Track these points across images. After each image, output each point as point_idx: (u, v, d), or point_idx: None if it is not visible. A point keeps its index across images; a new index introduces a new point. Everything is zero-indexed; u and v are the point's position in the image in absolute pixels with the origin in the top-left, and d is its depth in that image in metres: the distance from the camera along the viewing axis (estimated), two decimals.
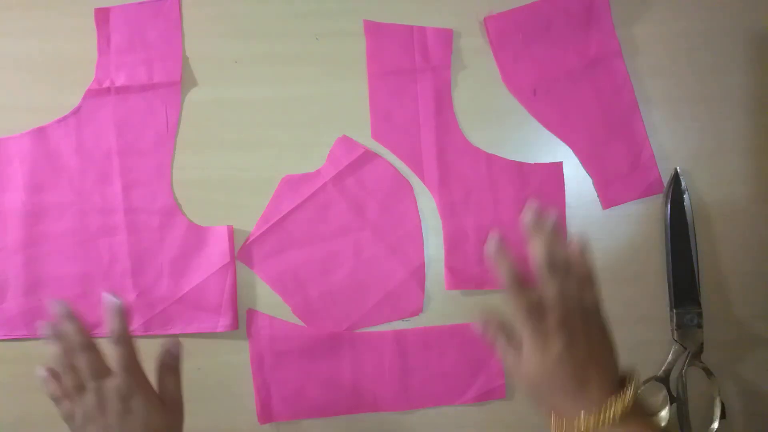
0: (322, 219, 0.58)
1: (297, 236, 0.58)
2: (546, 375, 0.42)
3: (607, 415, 0.40)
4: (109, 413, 0.45)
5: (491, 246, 0.45)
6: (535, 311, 0.42)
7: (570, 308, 0.42)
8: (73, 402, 0.46)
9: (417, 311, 0.58)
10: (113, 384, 0.45)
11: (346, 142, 0.58)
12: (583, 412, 0.40)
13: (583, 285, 0.43)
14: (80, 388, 0.46)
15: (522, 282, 0.43)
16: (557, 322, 0.42)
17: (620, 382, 0.42)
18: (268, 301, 0.58)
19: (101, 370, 0.46)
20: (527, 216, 0.45)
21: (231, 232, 0.57)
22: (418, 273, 0.58)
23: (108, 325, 0.46)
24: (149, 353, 0.57)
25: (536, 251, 0.43)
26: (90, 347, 0.46)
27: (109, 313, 0.46)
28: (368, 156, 0.58)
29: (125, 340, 0.46)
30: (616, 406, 0.40)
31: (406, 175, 0.58)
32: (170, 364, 0.48)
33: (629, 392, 0.40)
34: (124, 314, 0.46)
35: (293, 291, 0.58)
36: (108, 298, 0.46)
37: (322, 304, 0.58)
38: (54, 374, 0.47)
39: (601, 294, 0.44)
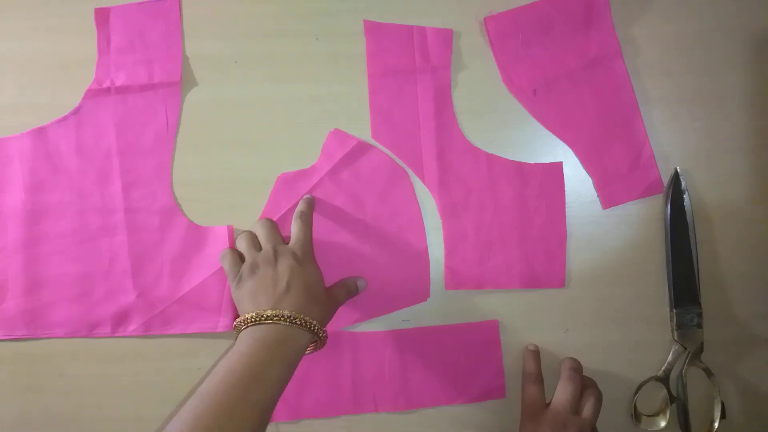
0: (321, 214, 0.58)
1: None
2: None
3: None
4: (279, 264, 0.48)
5: (528, 347, 0.57)
6: (535, 405, 0.52)
7: (565, 418, 0.50)
8: (247, 257, 0.50)
9: (423, 298, 0.58)
10: (289, 248, 0.50)
11: (338, 135, 0.58)
12: None
13: (590, 406, 0.51)
14: (257, 248, 0.51)
15: (534, 378, 0.54)
16: (549, 421, 0.50)
17: None
18: None
19: (279, 239, 0.52)
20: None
21: (231, 232, 0.57)
22: (422, 260, 0.58)
23: (297, 207, 0.54)
24: (150, 353, 0.58)
25: (566, 362, 0.55)
26: (273, 224, 0.53)
27: (302, 199, 0.55)
28: (362, 147, 0.58)
29: (307, 219, 0.53)
30: None
31: None
32: (351, 288, 0.54)
33: None
34: (313, 203, 0.55)
35: None
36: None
37: None
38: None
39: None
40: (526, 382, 0.55)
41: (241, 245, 0.51)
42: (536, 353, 0.57)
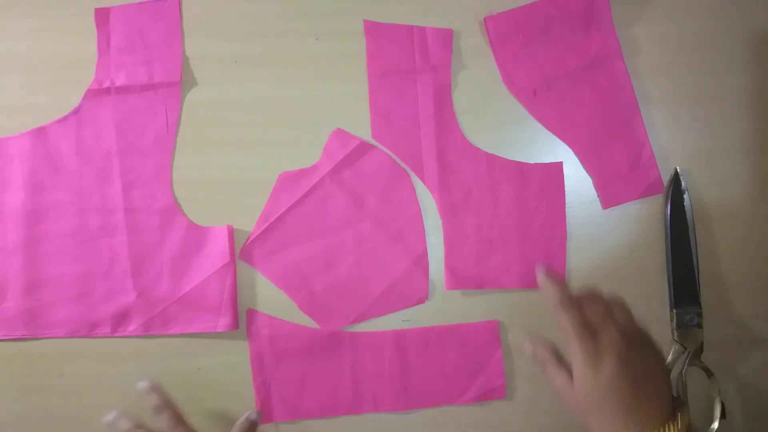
0: (322, 213, 0.58)
1: (298, 232, 0.58)
2: (597, 394, 0.42)
3: None
4: None
5: (540, 273, 0.48)
6: (585, 330, 0.44)
7: (621, 330, 0.43)
8: None
9: (422, 299, 0.58)
10: None
11: (340, 135, 0.58)
12: None
13: (624, 312, 0.46)
14: None
15: (569, 303, 0.45)
16: (610, 341, 0.43)
17: (671, 411, 0.42)
18: (268, 300, 0.58)
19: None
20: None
21: (231, 232, 0.57)
22: (422, 260, 0.58)
23: (150, 402, 0.52)
24: (150, 353, 0.58)
25: (584, 287, 0.48)
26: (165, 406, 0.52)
27: (145, 393, 0.52)
28: (363, 147, 0.58)
29: (168, 406, 0.52)
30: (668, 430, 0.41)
31: None
32: (247, 429, 0.52)
33: (679, 422, 0.41)
34: (158, 389, 0.53)
35: (298, 287, 0.58)
36: (139, 385, 0.53)
37: (327, 298, 0.58)
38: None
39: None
40: (562, 312, 0.45)
41: None
42: (549, 274, 0.48)
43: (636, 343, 0.44)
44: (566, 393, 0.44)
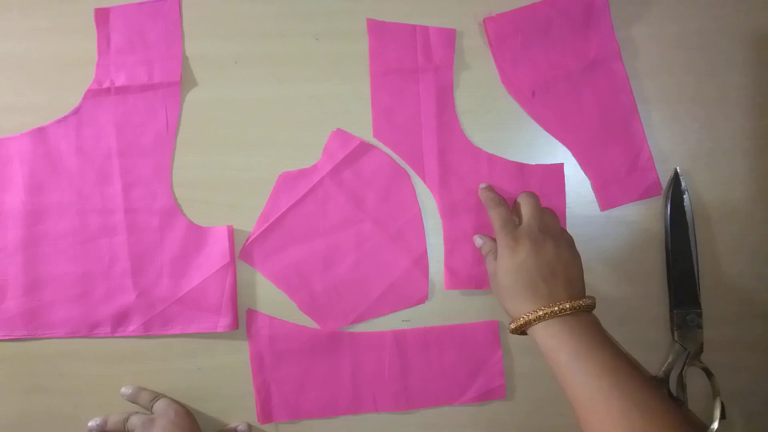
0: (321, 213, 0.58)
1: (298, 232, 0.58)
2: (512, 276, 0.49)
3: (555, 310, 0.47)
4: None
5: (481, 185, 0.56)
6: (510, 223, 0.52)
7: (540, 224, 0.51)
8: None
9: (422, 299, 0.58)
10: None
11: (340, 135, 0.58)
12: (532, 310, 0.47)
13: (552, 216, 0.52)
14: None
15: (498, 201, 0.54)
16: (527, 230, 0.50)
17: (578, 299, 0.48)
18: (268, 301, 0.58)
19: None
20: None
21: (231, 232, 0.57)
22: (421, 261, 0.58)
23: (141, 399, 0.57)
24: (150, 353, 0.58)
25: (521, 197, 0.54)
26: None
27: (131, 395, 0.57)
28: (363, 147, 0.58)
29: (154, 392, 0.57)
30: (563, 306, 0.47)
31: None
32: None
33: (580, 302, 0.47)
34: (142, 388, 0.58)
35: (298, 287, 0.58)
36: (123, 390, 0.57)
37: (327, 298, 0.58)
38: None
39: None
40: (492, 208, 0.54)
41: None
42: (489, 186, 0.56)
43: (552, 237, 0.50)
44: (493, 278, 0.52)
